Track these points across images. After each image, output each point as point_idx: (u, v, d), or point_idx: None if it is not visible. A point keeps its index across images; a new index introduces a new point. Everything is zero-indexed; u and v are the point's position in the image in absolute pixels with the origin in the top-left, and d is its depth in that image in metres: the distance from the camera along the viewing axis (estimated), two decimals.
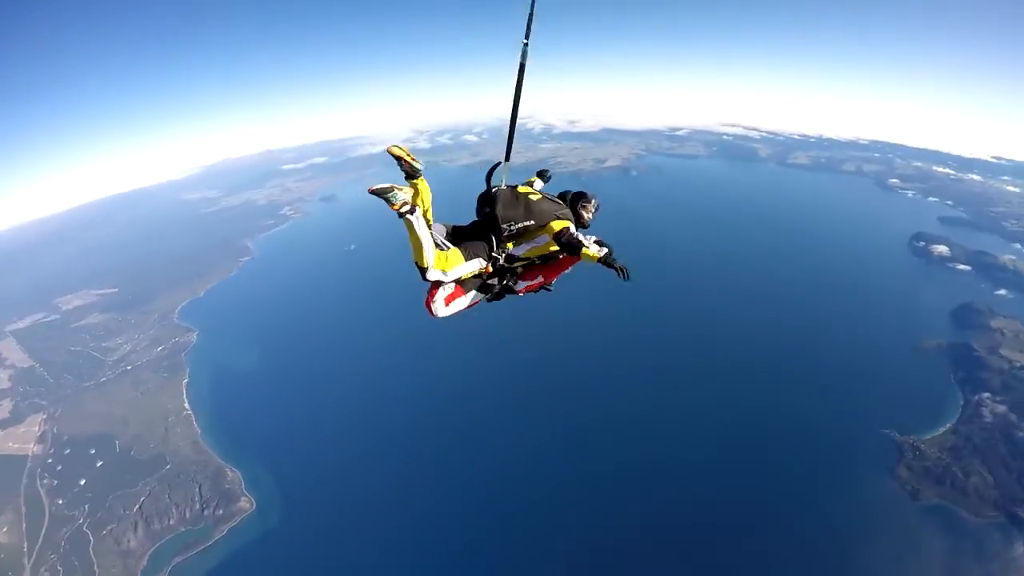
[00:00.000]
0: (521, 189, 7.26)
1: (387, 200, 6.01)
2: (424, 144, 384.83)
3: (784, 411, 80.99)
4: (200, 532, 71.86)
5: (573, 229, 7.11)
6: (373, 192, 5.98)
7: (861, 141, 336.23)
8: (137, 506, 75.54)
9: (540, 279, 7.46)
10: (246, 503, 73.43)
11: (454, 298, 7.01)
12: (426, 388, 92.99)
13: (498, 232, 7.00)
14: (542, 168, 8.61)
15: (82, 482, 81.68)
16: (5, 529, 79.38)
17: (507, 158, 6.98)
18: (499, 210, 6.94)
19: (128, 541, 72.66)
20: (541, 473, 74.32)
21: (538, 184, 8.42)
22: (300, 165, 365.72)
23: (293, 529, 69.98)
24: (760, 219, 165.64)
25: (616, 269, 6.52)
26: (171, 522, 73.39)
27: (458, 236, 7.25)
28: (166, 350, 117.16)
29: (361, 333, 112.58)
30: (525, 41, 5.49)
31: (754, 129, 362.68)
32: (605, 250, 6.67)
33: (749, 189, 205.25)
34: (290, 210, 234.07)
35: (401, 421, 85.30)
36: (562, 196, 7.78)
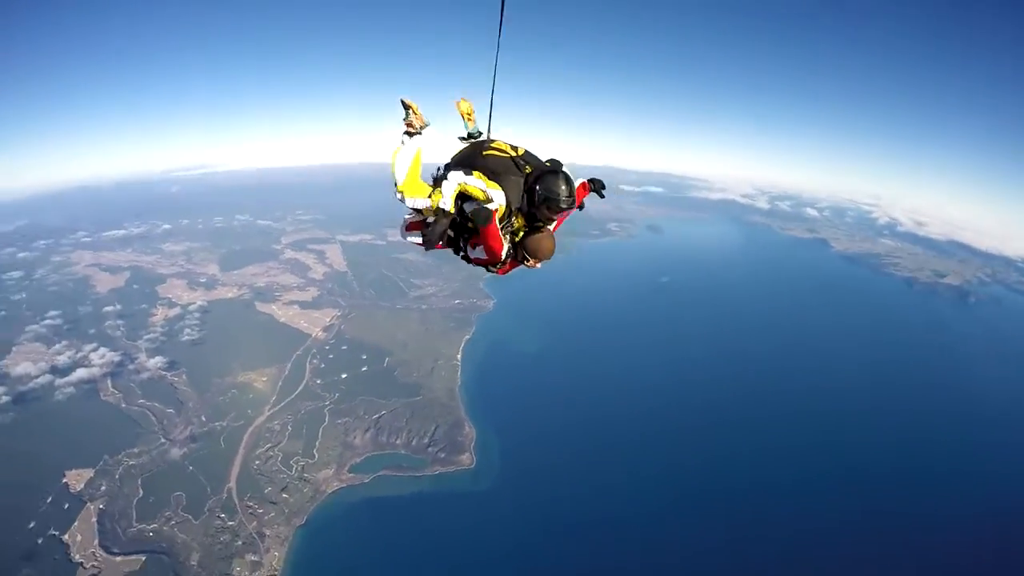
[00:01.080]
0: (495, 144, 6.19)
1: (405, 113, 6.25)
2: (763, 204, 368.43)
3: None
4: (417, 462, 77.39)
5: (490, 205, 5.49)
6: (403, 101, 6.26)
7: None
8: (377, 415, 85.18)
9: (484, 255, 6.41)
10: (467, 459, 77.56)
11: (416, 229, 6.75)
12: (684, 424, 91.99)
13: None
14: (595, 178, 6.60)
15: (343, 375, 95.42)
16: (265, 379, 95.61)
17: (490, 105, 6.58)
18: (453, 157, 6.34)
19: (355, 437, 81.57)
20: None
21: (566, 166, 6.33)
22: (637, 188, 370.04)
23: (494, 502, 71.56)
24: None
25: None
26: (397, 441, 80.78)
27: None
28: (462, 305, 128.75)
29: (641, 359, 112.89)
30: None
31: None
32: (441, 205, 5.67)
33: None
34: (616, 227, 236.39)
35: (645, 456, 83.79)
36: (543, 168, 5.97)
